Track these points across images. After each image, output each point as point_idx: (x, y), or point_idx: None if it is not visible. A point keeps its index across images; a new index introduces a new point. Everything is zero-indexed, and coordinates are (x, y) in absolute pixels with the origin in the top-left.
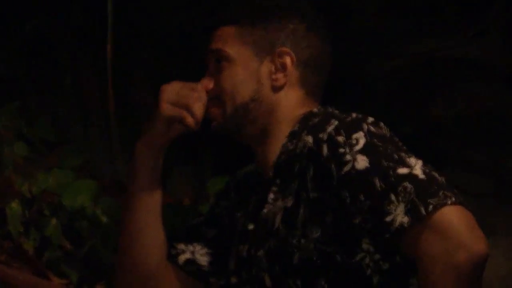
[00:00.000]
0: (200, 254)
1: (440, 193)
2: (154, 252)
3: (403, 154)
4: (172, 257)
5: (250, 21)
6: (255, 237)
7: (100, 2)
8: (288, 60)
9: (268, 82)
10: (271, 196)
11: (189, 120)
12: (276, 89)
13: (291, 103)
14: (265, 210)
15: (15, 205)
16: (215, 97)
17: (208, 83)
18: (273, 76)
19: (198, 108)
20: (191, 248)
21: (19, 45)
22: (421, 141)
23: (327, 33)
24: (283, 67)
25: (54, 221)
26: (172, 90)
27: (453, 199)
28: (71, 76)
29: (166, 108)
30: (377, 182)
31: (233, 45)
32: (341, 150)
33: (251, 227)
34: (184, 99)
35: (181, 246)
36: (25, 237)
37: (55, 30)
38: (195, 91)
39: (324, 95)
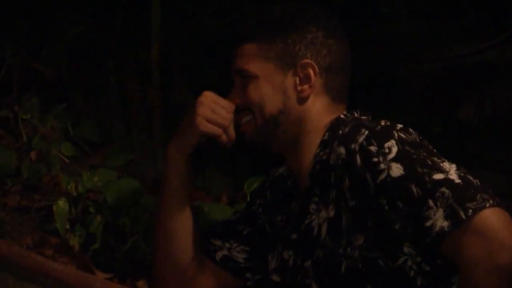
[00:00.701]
0: (237, 251)
1: (478, 197)
2: (188, 249)
3: (436, 159)
4: (209, 253)
5: (269, 36)
6: (300, 247)
7: (144, 7)
8: (311, 71)
9: (294, 94)
10: (313, 206)
11: (224, 139)
12: (303, 100)
13: (318, 111)
14: (307, 221)
15: (61, 203)
16: (244, 109)
17: (235, 99)
18: (299, 88)
19: (232, 130)
20: (227, 244)
21: (65, 49)
22: (451, 142)
23: (344, 35)
24: (308, 79)
25: (98, 218)
26: (208, 105)
27: (491, 201)
28: (115, 79)
29: (202, 124)
30: (414, 189)
31: (255, 62)
32: (375, 159)
33: (294, 236)
34: (221, 119)
35: (218, 243)
36: (71, 234)
37: (100, 34)
38: (230, 112)
39: (355, 97)
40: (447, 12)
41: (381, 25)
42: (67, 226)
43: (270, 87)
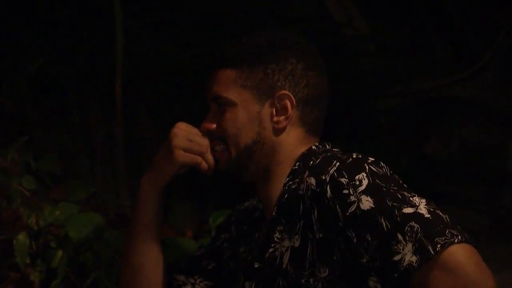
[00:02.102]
0: (201, 286)
1: (447, 232)
2: (154, 284)
3: (406, 193)
4: None
5: (249, 64)
6: (262, 276)
7: (108, 40)
8: (288, 103)
9: (269, 125)
10: (277, 235)
11: (205, 166)
12: (278, 131)
13: (292, 143)
14: (271, 250)
15: (22, 237)
16: (218, 138)
17: (210, 125)
18: (275, 119)
19: (210, 156)
20: (191, 280)
21: (27, 81)
22: (418, 177)
23: (323, 68)
24: (284, 110)
25: (60, 253)
26: (182, 136)
27: (460, 237)
28: (78, 112)
29: (180, 155)
30: (383, 222)
31: (233, 89)
32: (345, 191)
33: (257, 265)
34: (197, 147)
35: (182, 278)
36: (31, 269)
37: (63, 67)
38: (205, 139)
39: (324, 130)
40: (415, 46)
41: (350, 60)
42: (28, 261)
43: (247, 116)
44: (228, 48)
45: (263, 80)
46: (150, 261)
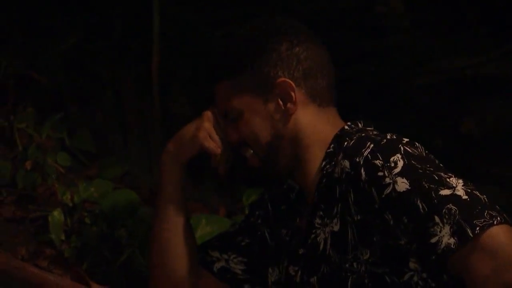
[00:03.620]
0: (235, 262)
1: (485, 213)
2: (184, 260)
3: (443, 174)
4: (207, 264)
5: (236, 70)
6: (307, 263)
7: (143, 16)
8: (288, 88)
9: (280, 115)
10: (318, 221)
11: (219, 159)
12: (291, 117)
13: (311, 121)
14: (312, 236)
15: (57, 213)
16: (242, 145)
17: (232, 136)
18: (283, 109)
19: (225, 157)
20: (225, 256)
21: (62, 58)
22: (452, 156)
23: (310, 37)
24: (288, 96)
25: (94, 229)
26: (213, 122)
27: (499, 218)
28: (112, 88)
29: (206, 138)
30: (420, 204)
31: (233, 99)
32: (380, 173)
33: (301, 251)
34: (220, 140)
35: (216, 254)
36: (66, 245)
37: (98, 43)
38: (225, 142)
39: (356, 110)
40: (448, 25)
41: (382, 38)
42: (63, 237)
43: (256, 117)
44: (213, 62)
45: (256, 78)
46: (177, 236)
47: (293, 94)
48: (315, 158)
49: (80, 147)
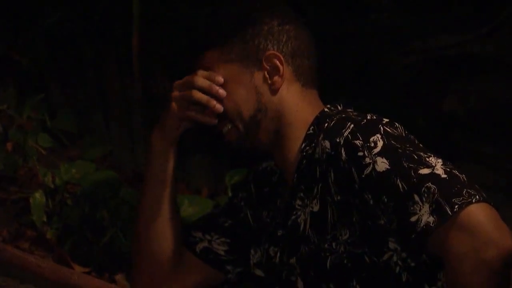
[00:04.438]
0: (217, 243)
1: (464, 192)
2: (168, 240)
3: (422, 154)
4: (190, 244)
5: (227, 39)
6: (286, 244)
7: None
8: (276, 61)
9: (266, 89)
10: (298, 202)
11: (207, 119)
12: (276, 91)
13: (294, 99)
14: (293, 217)
15: (38, 195)
16: (223, 118)
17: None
18: (269, 81)
19: (214, 104)
20: (208, 236)
21: (43, 38)
22: (434, 135)
23: (299, 20)
24: (276, 70)
25: (76, 211)
26: (184, 88)
27: (477, 197)
28: (93, 69)
29: (179, 109)
30: (400, 183)
31: (219, 68)
32: (360, 153)
33: (280, 233)
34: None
35: (199, 235)
36: (48, 226)
37: (79, 23)
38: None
39: (339, 89)
40: (432, 3)
41: (365, 17)
42: (44, 219)
43: (241, 88)
44: (203, 30)
45: (245, 48)
46: (164, 216)
47: (281, 67)
48: (295, 137)
49: (61, 128)
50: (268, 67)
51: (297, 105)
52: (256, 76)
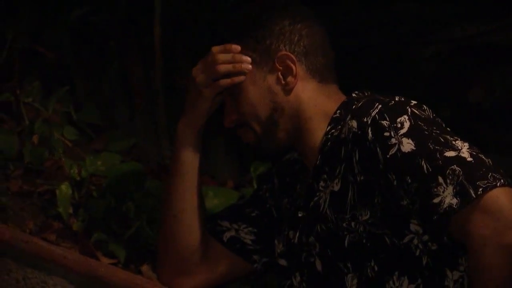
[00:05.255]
0: (244, 232)
1: (489, 175)
2: (195, 229)
3: (448, 137)
4: (217, 233)
5: (239, 41)
6: (306, 224)
7: None
8: (289, 62)
9: (280, 89)
10: (322, 184)
11: (236, 80)
12: (290, 91)
13: (310, 96)
14: (316, 198)
15: (64, 187)
16: (243, 124)
17: (232, 117)
18: (283, 82)
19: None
20: (235, 226)
21: (68, 31)
22: (460, 125)
23: (311, 16)
24: (289, 70)
25: (102, 203)
26: (203, 69)
27: (502, 181)
28: (117, 61)
29: (205, 90)
30: (424, 165)
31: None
32: (386, 133)
33: (300, 214)
34: (221, 68)
35: (226, 224)
36: (74, 218)
37: (103, 16)
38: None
39: (363, 79)
40: None
41: (389, 6)
42: (70, 211)
43: (256, 90)
44: (218, 30)
45: (257, 49)
46: (191, 206)
47: (294, 67)
48: (318, 128)
49: (86, 120)
50: (281, 68)
51: (315, 100)
52: (270, 76)
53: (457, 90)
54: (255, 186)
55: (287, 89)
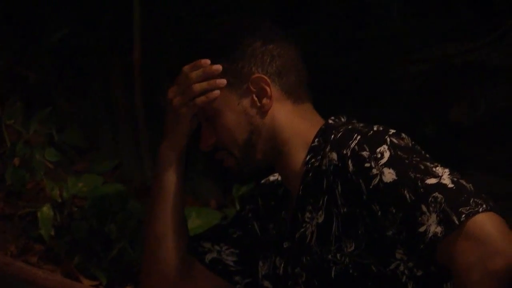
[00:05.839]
0: (226, 254)
1: (471, 201)
2: (178, 252)
3: (429, 164)
4: (199, 255)
5: (212, 64)
6: (291, 255)
7: (129, 9)
8: (263, 84)
9: (256, 111)
10: (308, 215)
11: (211, 96)
12: (266, 113)
13: (287, 117)
14: (302, 229)
15: (46, 209)
16: (221, 149)
17: (209, 141)
18: (258, 104)
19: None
20: (217, 247)
21: (50, 52)
22: (442, 144)
23: (283, 35)
24: (263, 92)
25: (84, 224)
26: (178, 91)
27: (484, 206)
28: (100, 82)
29: (183, 110)
30: (407, 194)
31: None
32: (367, 164)
33: (286, 245)
34: (195, 88)
35: (208, 245)
36: (56, 240)
37: (85, 37)
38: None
39: (345, 97)
40: (438, 11)
41: (371, 25)
42: (52, 233)
43: (231, 113)
44: (190, 54)
45: (230, 73)
46: (174, 228)
47: (268, 89)
48: (296, 151)
49: (68, 141)
50: (255, 90)
51: (292, 122)
52: (244, 99)
53: (439, 109)
54: (238, 207)
55: (263, 111)
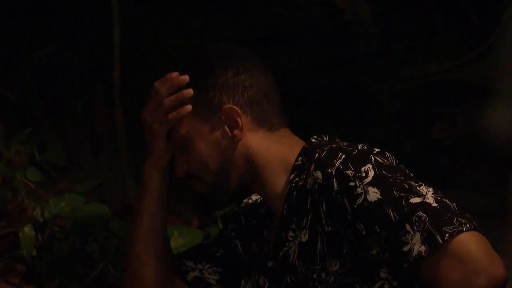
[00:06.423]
0: (209, 272)
1: (455, 220)
2: (160, 271)
3: (413, 183)
4: (181, 273)
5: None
6: (275, 274)
7: (108, 30)
8: (235, 115)
9: (227, 141)
10: (291, 233)
11: (181, 113)
12: (238, 142)
13: (261, 143)
14: (285, 248)
15: (28, 229)
16: (193, 176)
17: (182, 168)
18: (230, 135)
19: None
20: (199, 266)
21: (31, 72)
22: (422, 161)
23: (255, 63)
24: (234, 123)
25: (66, 244)
26: (151, 110)
27: (468, 225)
28: (81, 102)
29: (156, 127)
30: (391, 213)
31: (179, 125)
32: (351, 183)
33: (270, 264)
34: (166, 105)
35: (190, 264)
36: (38, 260)
37: (67, 57)
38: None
39: (328, 116)
40: (419, 30)
41: (353, 44)
42: (34, 253)
43: (204, 143)
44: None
45: (202, 102)
46: (156, 247)
47: (239, 120)
48: (277, 175)
49: (50, 161)
50: (226, 121)
51: (267, 148)
52: (216, 130)
53: (420, 126)
54: (220, 226)
55: (234, 141)
